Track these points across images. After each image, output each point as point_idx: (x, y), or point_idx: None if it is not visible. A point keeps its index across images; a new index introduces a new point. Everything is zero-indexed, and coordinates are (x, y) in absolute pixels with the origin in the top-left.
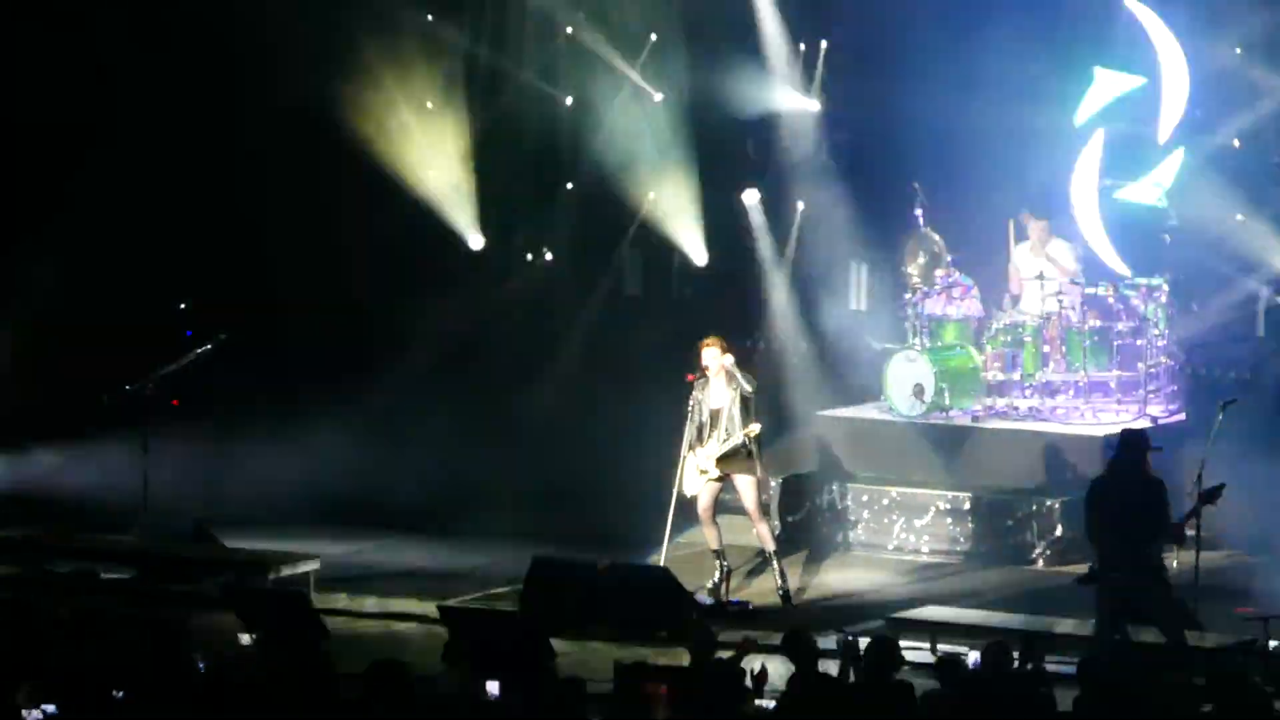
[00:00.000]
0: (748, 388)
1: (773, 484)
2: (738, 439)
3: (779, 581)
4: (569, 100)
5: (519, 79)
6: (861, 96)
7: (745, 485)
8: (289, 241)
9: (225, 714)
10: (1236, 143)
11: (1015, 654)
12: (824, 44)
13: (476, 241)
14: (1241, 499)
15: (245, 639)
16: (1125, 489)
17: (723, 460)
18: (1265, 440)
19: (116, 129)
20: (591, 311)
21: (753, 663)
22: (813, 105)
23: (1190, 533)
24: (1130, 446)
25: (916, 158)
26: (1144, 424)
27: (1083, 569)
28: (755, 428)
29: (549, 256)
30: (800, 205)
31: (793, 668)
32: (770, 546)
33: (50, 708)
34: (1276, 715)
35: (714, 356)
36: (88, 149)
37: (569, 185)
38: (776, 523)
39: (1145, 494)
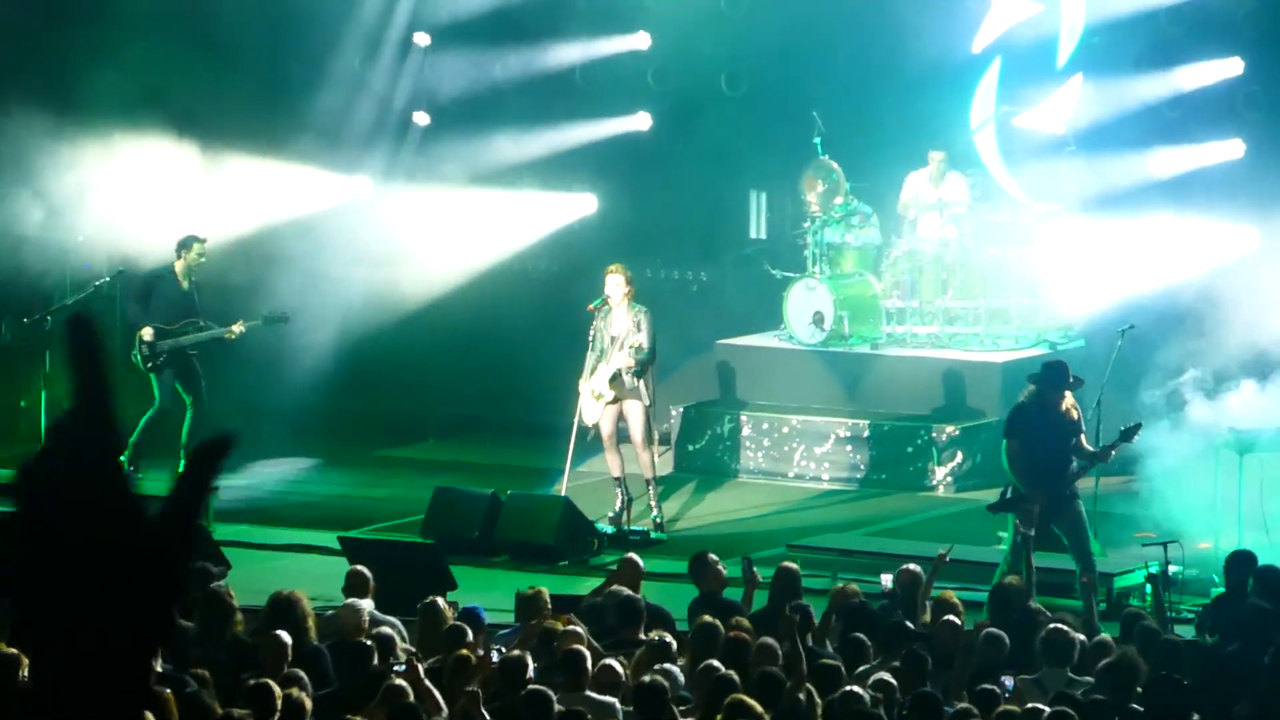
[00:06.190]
0: (642, 346)
1: (673, 413)
2: (615, 364)
3: (654, 511)
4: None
5: None
6: (759, 24)
7: (632, 411)
8: None
9: None
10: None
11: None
12: None
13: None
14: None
15: None
16: (1048, 418)
17: (615, 383)
18: (1163, 367)
19: None
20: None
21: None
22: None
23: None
24: (1054, 377)
25: (815, 86)
26: (1042, 350)
27: (982, 495)
28: (629, 357)
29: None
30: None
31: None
32: (649, 475)
33: None
34: (1165, 642)
35: (616, 285)
36: None
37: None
38: (668, 450)
39: (1067, 423)
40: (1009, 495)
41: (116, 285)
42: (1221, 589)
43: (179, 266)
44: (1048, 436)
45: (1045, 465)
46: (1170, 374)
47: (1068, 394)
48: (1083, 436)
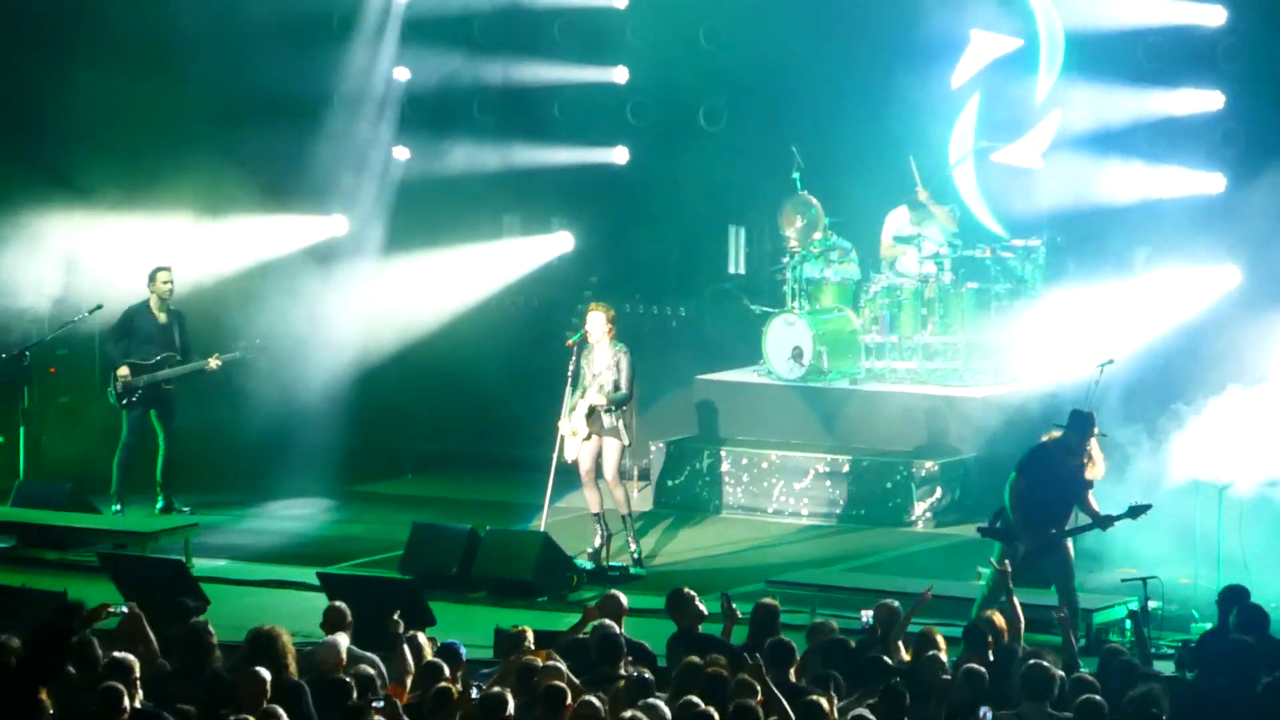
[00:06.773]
0: (622, 389)
1: (653, 448)
2: (589, 402)
3: (632, 547)
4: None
5: None
6: (738, 60)
7: (607, 448)
8: None
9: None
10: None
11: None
12: None
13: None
14: (1118, 462)
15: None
16: (1064, 467)
17: (591, 420)
18: (1141, 401)
19: None
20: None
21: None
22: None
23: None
24: (1079, 427)
25: (794, 121)
26: (1021, 386)
27: (961, 531)
28: (601, 395)
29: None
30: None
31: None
32: (624, 510)
33: None
34: (1141, 675)
35: (598, 322)
36: None
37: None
38: (647, 485)
39: (1080, 479)
40: (999, 525)
41: (95, 321)
42: (1202, 624)
43: (152, 299)
44: (1058, 486)
45: (1046, 512)
46: (1149, 409)
47: (1093, 442)
48: (1091, 495)
